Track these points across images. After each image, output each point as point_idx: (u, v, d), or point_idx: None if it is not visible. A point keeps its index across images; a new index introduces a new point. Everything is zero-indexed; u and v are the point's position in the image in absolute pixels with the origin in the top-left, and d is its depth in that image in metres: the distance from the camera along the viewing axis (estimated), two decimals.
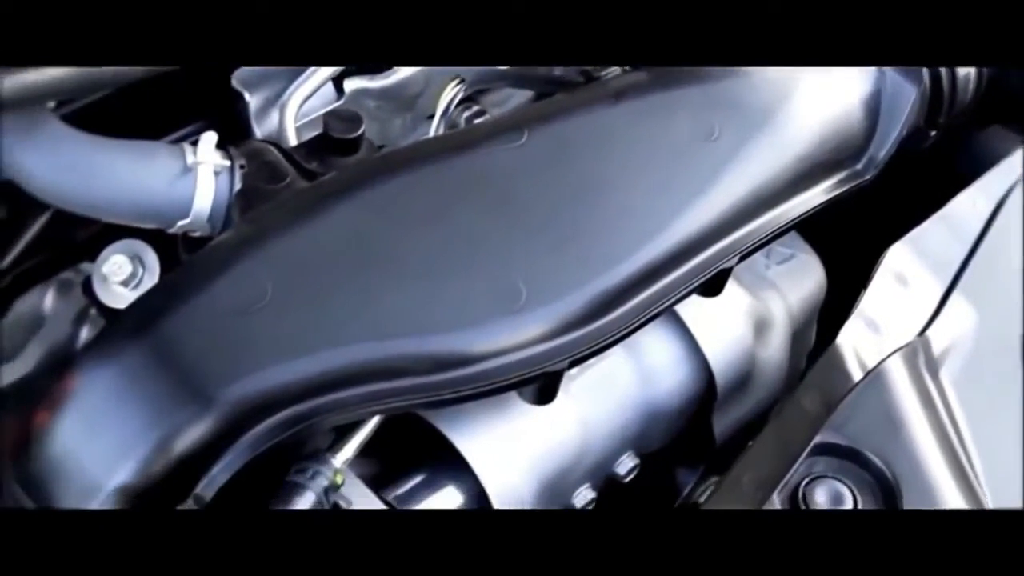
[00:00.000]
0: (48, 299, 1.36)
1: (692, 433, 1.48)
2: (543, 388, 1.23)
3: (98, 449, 1.14)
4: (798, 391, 1.28)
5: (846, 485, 1.17)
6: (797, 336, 1.59)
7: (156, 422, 1.13)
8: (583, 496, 1.39)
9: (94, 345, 1.20)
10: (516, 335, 1.20)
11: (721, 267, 1.31)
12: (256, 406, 1.14)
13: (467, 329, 1.19)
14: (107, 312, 1.27)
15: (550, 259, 1.23)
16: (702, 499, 1.56)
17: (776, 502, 1.17)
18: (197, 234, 1.28)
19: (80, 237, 1.38)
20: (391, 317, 1.17)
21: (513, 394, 1.26)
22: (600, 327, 1.23)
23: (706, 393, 1.45)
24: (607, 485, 1.43)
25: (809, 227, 1.48)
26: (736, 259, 1.32)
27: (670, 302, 1.27)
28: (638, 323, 1.25)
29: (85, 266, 1.36)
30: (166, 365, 1.14)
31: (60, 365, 1.30)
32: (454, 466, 1.29)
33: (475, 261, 1.21)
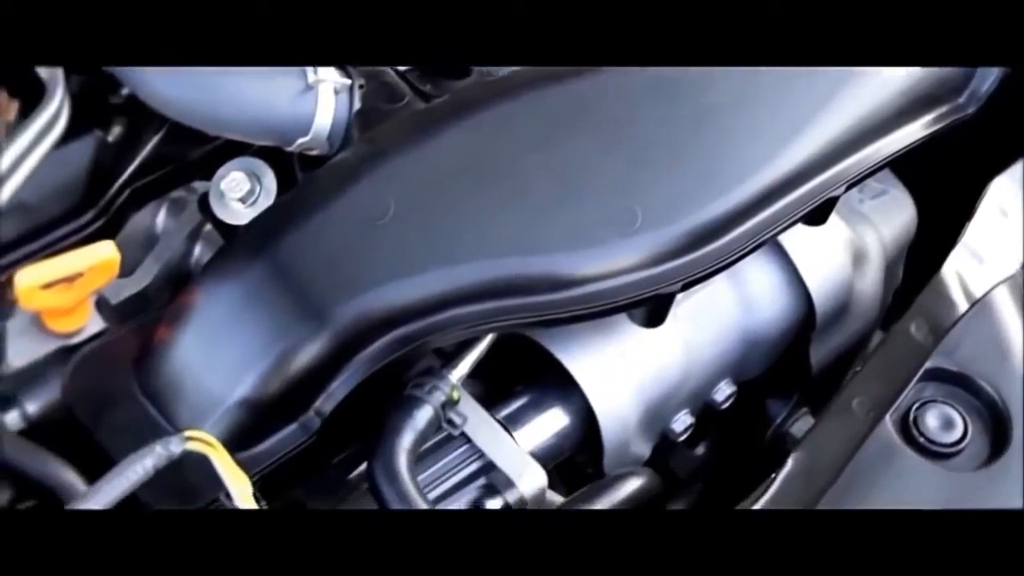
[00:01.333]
0: (161, 216, 1.38)
1: (788, 362, 1.49)
2: (654, 310, 1.25)
3: (219, 364, 1.16)
4: (904, 319, 1.29)
5: (956, 410, 1.19)
6: (888, 271, 1.60)
7: (275, 339, 1.15)
8: (682, 421, 1.41)
9: (214, 262, 1.22)
10: (631, 257, 1.21)
11: (829, 195, 1.32)
12: (374, 323, 1.16)
13: (583, 250, 1.20)
14: (224, 228, 1.29)
15: (664, 183, 1.24)
16: (793, 428, 1.57)
17: (888, 425, 1.18)
18: (314, 152, 1.30)
19: (192, 156, 1.40)
20: (509, 236, 1.19)
21: (622, 316, 1.28)
22: (712, 251, 1.24)
23: (805, 322, 1.46)
24: (704, 412, 1.45)
25: (907, 163, 1.48)
26: (843, 188, 1.33)
27: (779, 228, 1.29)
28: (749, 248, 1.26)
29: (198, 184, 1.38)
30: (286, 283, 1.17)
31: (175, 280, 1.32)
32: (562, 387, 1.31)
33: (591, 184, 1.22)
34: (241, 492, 1.04)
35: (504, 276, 1.18)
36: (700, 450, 1.54)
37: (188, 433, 1.06)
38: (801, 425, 1.57)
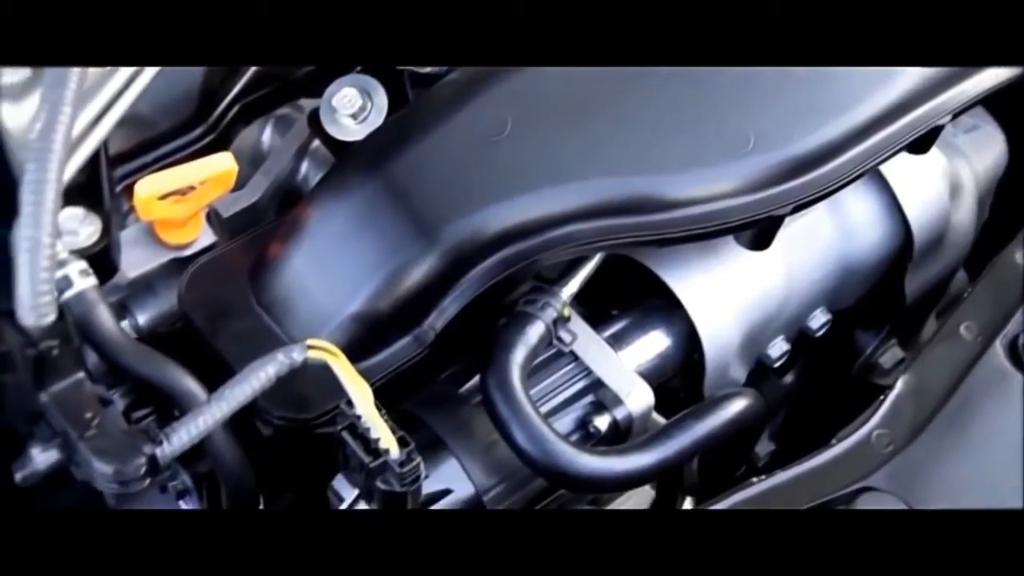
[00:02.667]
0: (267, 133, 1.39)
1: (882, 293, 1.50)
2: (762, 233, 1.26)
3: (333, 279, 1.18)
4: (1009, 248, 1.29)
5: None
6: (979, 204, 1.60)
7: (388, 256, 1.17)
8: (778, 347, 1.41)
9: (329, 179, 1.24)
10: (743, 178, 1.22)
11: (935, 124, 1.32)
12: (487, 241, 1.17)
13: (697, 170, 1.21)
14: (334, 144, 1.30)
15: (776, 108, 1.24)
16: (882, 359, 1.58)
17: (998, 349, 1.18)
18: (426, 70, 1.31)
19: (298, 74, 1.41)
20: (624, 155, 1.20)
21: (726, 240, 1.28)
22: (822, 175, 1.24)
23: (902, 252, 1.46)
24: (798, 339, 1.45)
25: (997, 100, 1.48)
26: (949, 117, 1.33)
27: (886, 154, 1.29)
28: (857, 172, 1.26)
29: (304, 102, 1.39)
30: (399, 200, 1.18)
31: (282, 196, 1.33)
32: (666, 308, 1.32)
33: (705, 106, 1.23)
34: (363, 399, 1.05)
35: (619, 195, 1.19)
36: (789, 378, 1.54)
37: (310, 341, 1.07)
38: (889, 357, 1.57)
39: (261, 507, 1.21)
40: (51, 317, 1.03)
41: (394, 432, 1.04)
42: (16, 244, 1.03)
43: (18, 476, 1.28)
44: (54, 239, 1.01)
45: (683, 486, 1.40)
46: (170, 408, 1.18)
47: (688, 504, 1.43)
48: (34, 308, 1.02)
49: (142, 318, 1.26)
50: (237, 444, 1.14)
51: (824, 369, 1.55)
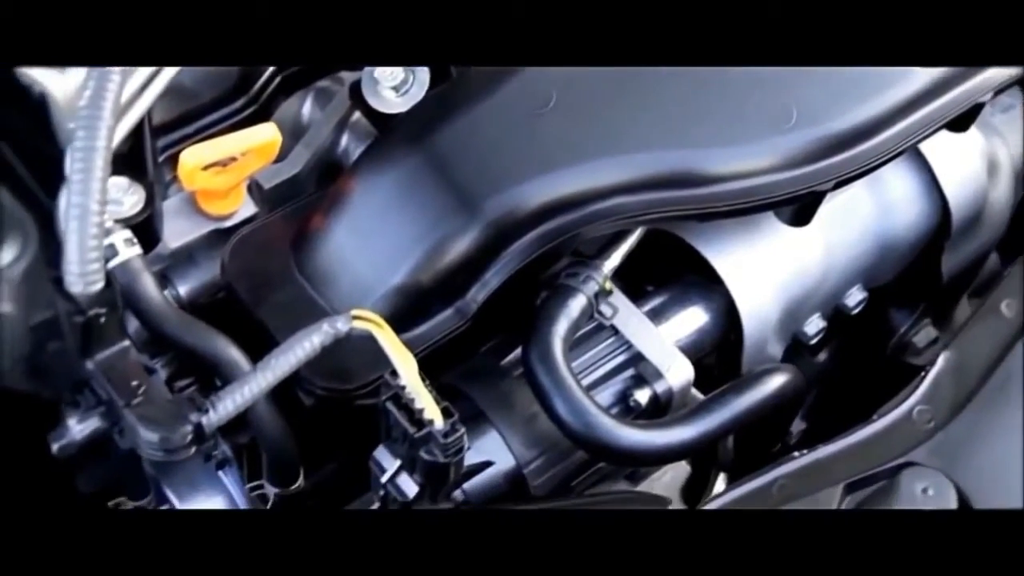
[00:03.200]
0: (308, 105, 1.39)
1: (918, 271, 1.49)
2: (803, 209, 1.26)
3: (375, 251, 1.19)
4: None
5: None
6: (1015, 183, 1.59)
7: (430, 229, 1.17)
8: (815, 324, 1.41)
9: (372, 152, 1.24)
10: (785, 153, 1.22)
11: (976, 101, 1.31)
12: (529, 215, 1.18)
13: (739, 145, 1.21)
14: (375, 117, 1.30)
15: (819, 84, 1.24)
16: (916, 338, 1.58)
17: None
18: None
19: None
20: (667, 130, 1.20)
21: (765, 216, 1.28)
22: (865, 151, 1.25)
23: (939, 230, 1.46)
24: (835, 316, 1.45)
25: None
26: (990, 95, 1.32)
27: (928, 131, 1.28)
28: (899, 149, 1.26)
29: (344, 74, 1.39)
30: (442, 174, 1.18)
31: (322, 168, 1.33)
32: (705, 284, 1.32)
33: (748, 81, 1.22)
34: (407, 370, 1.05)
35: (662, 169, 1.19)
36: (822, 356, 1.54)
37: (354, 312, 1.08)
38: (923, 336, 1.57)
39: (301, 479, 1.21)
40: (99, 285, 1.04)
41: (438, 403, 1.04)
42: (63, 212, 1.04)
43: (55, 446, 1.29)
44: (103, 207, 1.01)
45: (718, 462, 1.40)
46: (212, 378, 1.18)
47: (721, 480, 1.43)
48: (82, 276, 1.02)
49: (183, 289, 1.26)
50: (279, 414, 1.14)
51: (858, 347, 1.55)
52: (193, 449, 1.05)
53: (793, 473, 1.11)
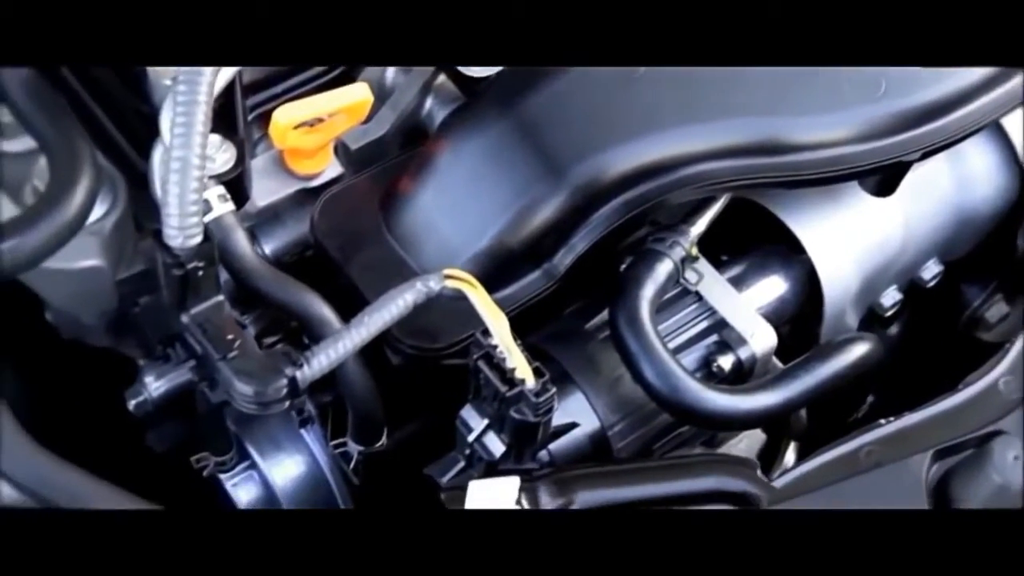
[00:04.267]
0: (391, 69, 1.39)
1: (993, 246, 1.49)
2: (889, 179, 1.26)
3: (462, 215, 1.20)
4: None
5: None
6: None
7: (518, 194, 1.19)
8: (891, 296, 1.42)
9: (460, 116, 1.25)
10: (874, 123, 1.22)
11: None
12: (617, 180, 1.18)
13: (828, 114, 1.21)
14: (462, 81, 1.30)
15: None
16: (988, 314, 1.58)
17: None
18: None
19: None
20: (757, 97, 1.20)
21: (846, 186, 1.29)
22: (952, 122, 1.25)
23: (1016, 205, 1.46)
24: (910, 289, 1.45)
25: None
26: None
27: (1013, 105, 1.28)
28: (984, 122, 1.26)
29: None
30: (530, 139, 1.19)
31: (407, 131, 1.34)
32: (786, 252, 1.32)
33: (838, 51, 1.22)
34: (500, 329, 1.06)
35: (751, 136, 1.19)
36: (894, 329, 1.54)
37: (447, 271, 1.09)
38: (995, 311, 1.57)
39: (384, 438, 1.22)
40: (198, 239, 1.05)
41: (529, 363, 1.05)
42: (158, 168, 1.05)
43: (132, 403, 1.30)
44: (203, 161, 1.02)
45: (791, 432, 1.40)
46: (298, 337, 1.19)
47: (792, 450, 1.43)
48: (182, 229, 1.03)
49: (268, 247, 1.27)
50: (368, 372, 1.15)
51: (930, 321, 1.55)
52: (287, 403, 1.05)
53: (881, 440, 1.11)
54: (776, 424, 1.35)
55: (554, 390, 1.05)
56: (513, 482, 1.03)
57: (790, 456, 1.40)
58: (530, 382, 1.05)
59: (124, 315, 1.30)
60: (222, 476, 1.29)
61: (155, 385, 1.32)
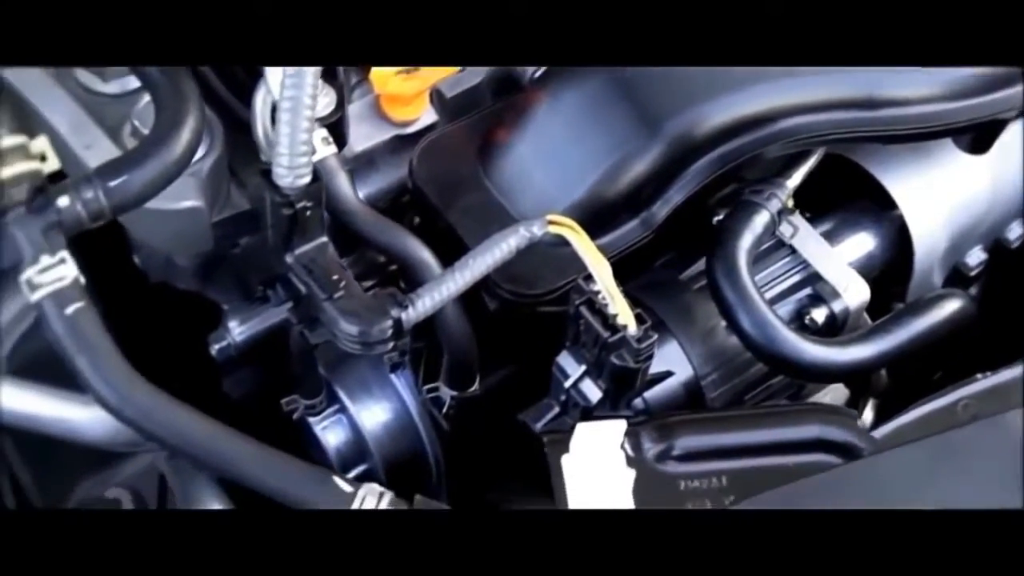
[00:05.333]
0: None
1: None
2: (983, 137, 1.26)
3: (559, 166, 1.21)
4: None
5: None
6: None
7: (613, 146, 1.19)
8: (976, 256, 1.42)
9: (556, 70, 1.24)
10: (973, 79, 1.21)
11: None
12: (712, 133, 1.19)
13: (927, 69, 1.21)
14: None
15: None
16: None
17: None
18: None
19: None
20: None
21: (938, 143, 1.28)
22: None
23: None
24: (994, 249, 1.45)
25: None
26: None
27: None
28: None
29: None
30: (624, 94, 1.19)
31: (499, 81, 1.34)
32: (877, 208, 1.32)
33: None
34: (603, 274, 1.07)
35: (848, 90, 1.19)
36: (973, 289, 1.54)
37: (550, 217, 1.09)
38: None
39: (476, 384, 1.23)
40: (307, 179, 1.06)
41: (631, 309, 1.05)
42: (258, 109, 1.06)
43: (215, 348, 1.31)
44: (314, 101, 1.02)
45: (871, 390, 1.40)
46: (394, 282, 1.20)
47: (870, 408, 1.43)
48: (291, 168, 1.04)
49: (363, 192, 1.28)
50: (465, 317, 1.16)
51: (1011, 282, 1.55)
52: (391, 344, 1.06)
53: (978, 394, 1.11)
54: (860, 380, 1.35)
55: (655, 337, 1.05)
56: (620, 425, 1.03)
57: (868, 414, 1.40)
58: (632, 328, 1.05)
59: (215, 257, 1.31)
60: (311, 420, 1.30)
61: (239, 330, 1.34)
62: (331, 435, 1.30)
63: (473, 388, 1.22)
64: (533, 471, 1.20)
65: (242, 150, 1.25)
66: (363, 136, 1.29)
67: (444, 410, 1.24)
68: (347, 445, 1.30)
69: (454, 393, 1.22)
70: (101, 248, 1.23)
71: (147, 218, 1.16)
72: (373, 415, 1.29)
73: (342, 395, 1.29)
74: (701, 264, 1.24)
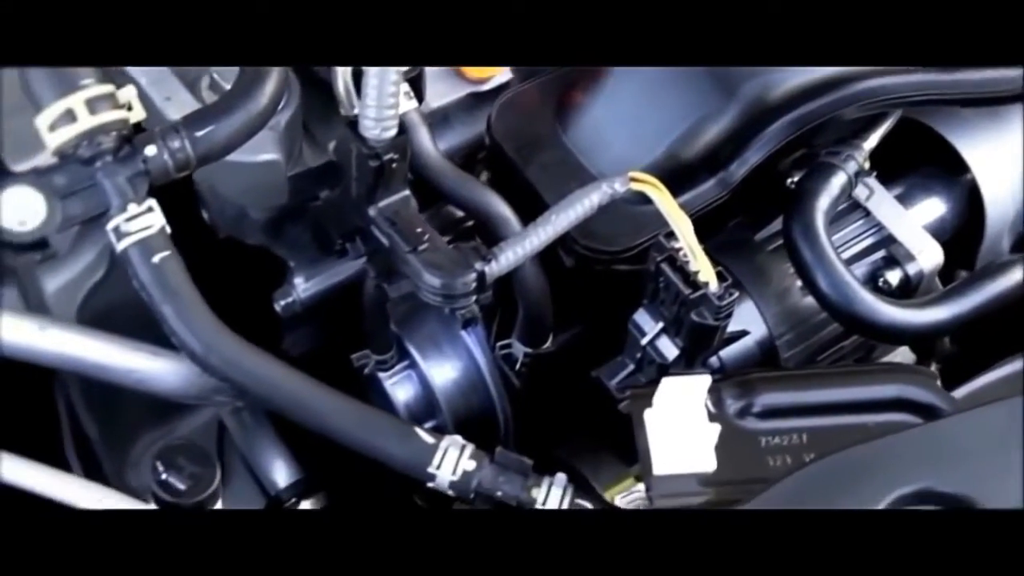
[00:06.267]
0: None
1: None
2: None
3: (636, 126, 1.22)
4: None
5: None
6: None
7: (689, 109, 1.20)
8: None
9: None
10: None
11: None
12: (785, 97, 1.19)
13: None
14: None
15: None
16: None
17: None
18: None
19: None
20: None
21: (1010, 108, 1.28)
22: None
23: None
24: None
25: None
26: None
27: None
28: None
29: None
30: None
31: None
32: (949, 172, 1.32)
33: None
34: (685, 231, 1.07)
35: None
36: None
37: (631, 174, 1.09)
38: None
39: (550, 342, 1.23)
40: (393, 131, 1.06)
41: (713, 266, 1.06)
42: None
43: (280, 304, 1.32)
44: None
45: (936, 354, 1.40)
46: (470, 238, 1.21)
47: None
48: (379, 120, 1.05)
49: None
50: (542, 273, 1.16)
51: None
52: (474, 298, 1.07)
53: None
54: (928, 344, 1.36)
55: (736, 294, 1.06)
56: (705, 379, 1.04)
57: None
58: (713, 285, 1.06)
59: (288, 212, 1.32)
60: (381, 375, 1.30)
61: (304, 287, 1.35)
62: (401, 391, 1.31)
63: (546, 345, 1.22)
64: (602, 428, 1.21)
65: (315, 106, 1.25)
66: (438, 93, 1.29)
67: (516, 367, 1.24)
68: (416, 401, 1.30)
69: (527, 350, 1.23)
70: (170, 202, 1.23)
71: (226, 170, 1.16)
72: (443, 371, 1.30)
73: (413, 351, 1.29)
74: (775, 225, 1.24)
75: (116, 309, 1.29)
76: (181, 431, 1.48)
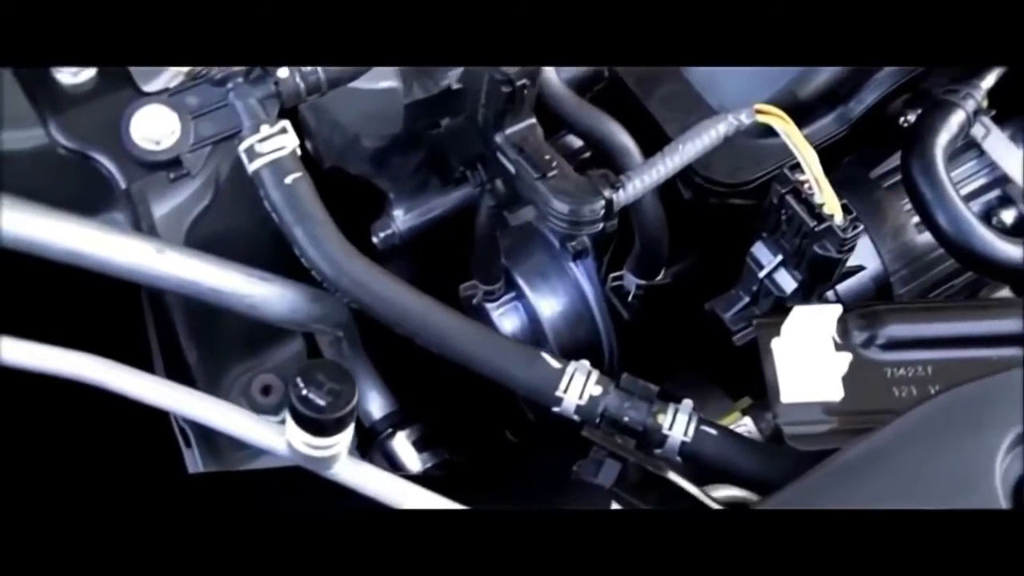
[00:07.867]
0: None
1: None
2: None
3: (749, 68, 1.20)
4: None
5: None
6: None
7: None
8: None
9: None
10: None
11: None
12: None
13: None
14: None
15: None
16: None
17: None
18: None
19: None
20: None
21: None
22: None
23: None
24: None
25: None
26: None
27: None
28: None
29: None
30: None
31: None
32: None
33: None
34: (811, 163, 1.07)
35: None
36: None
37: (758, 106, 1.10)
38: None
39: (663, 274, 1.24)
40: None
41: (839, 198, 1.06)
42: None
43: (379, 235, 1.33)
44: None
45: None
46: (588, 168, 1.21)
47: None
48: None
49: None
50: (660, 204, 1.17)
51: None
52: (601, 225, 1.07)
53: None
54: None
55: (861, 227, 1.06)
56: (835, 309, 1.04)
57: None
58: (838, 218, 1.06)
59: (398, 142, 1.32)
60: (488, 306, 1.31)
61: (403, 219, 1.36)
62: (508, 321, 1.32)
63: (660, 277, 1.23)
64: (711, 362, 1.22)
65: None
66: None
67: (628, 299, 1.25)
68: (523, 332, 1.31)
69: (640, 282, 1.23)
70: None
71: (345, 96, 1.17)
72: (550, 303, 1.31)
73: (520, 282, 1.30)
74: (890, 162, 1.24)
75: (219, 237, 1.30)
76: (270, 364, 1.49)
